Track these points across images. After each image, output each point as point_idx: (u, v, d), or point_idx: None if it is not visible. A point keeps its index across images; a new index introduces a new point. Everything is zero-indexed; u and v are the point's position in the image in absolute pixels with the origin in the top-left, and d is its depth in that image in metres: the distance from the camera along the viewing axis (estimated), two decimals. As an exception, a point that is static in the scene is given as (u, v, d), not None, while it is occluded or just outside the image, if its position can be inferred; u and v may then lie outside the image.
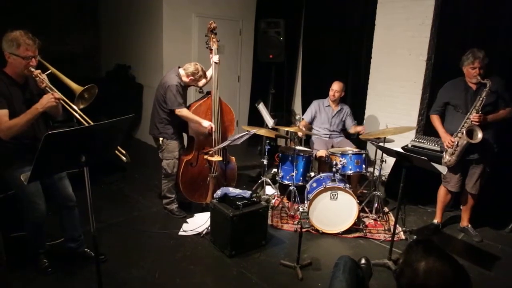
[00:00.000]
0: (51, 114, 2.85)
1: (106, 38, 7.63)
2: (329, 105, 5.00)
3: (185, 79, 3.97)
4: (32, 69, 2.61)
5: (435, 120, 3.87)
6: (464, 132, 3.47)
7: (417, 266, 1.25)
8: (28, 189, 2.72)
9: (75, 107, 2.68)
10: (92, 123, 2.51)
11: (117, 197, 4.57)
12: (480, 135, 3.39)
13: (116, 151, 2.70)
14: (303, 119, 5.17)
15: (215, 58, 4.07)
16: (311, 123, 5.11)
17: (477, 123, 3.42)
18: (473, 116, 3.44)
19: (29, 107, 2.63)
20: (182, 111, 3.89)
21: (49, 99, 2.58)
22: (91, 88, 2.73)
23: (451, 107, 3.74)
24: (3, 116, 2.55)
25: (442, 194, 3.97)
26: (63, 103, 2.67)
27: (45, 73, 2.68)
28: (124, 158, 2.75)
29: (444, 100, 3.80)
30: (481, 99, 3.43)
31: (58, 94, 2.62)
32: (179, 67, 4.03)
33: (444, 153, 3.73)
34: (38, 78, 2.62)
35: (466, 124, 3.50)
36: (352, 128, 5.02)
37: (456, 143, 3.57)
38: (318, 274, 3.24)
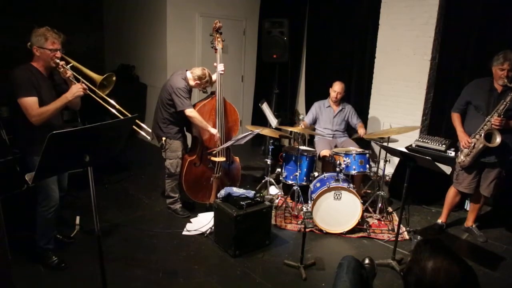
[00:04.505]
0: (72, 107, 3.06)
1: (110, 38, 7.65)
2: (329, 106, 4.99)
3: (191, 82, 3.97)
4: (57, 61, 2.85)
5: (455, 118, 3.78)
6: (483, 135, 3.39)
7: (425, 265, 1.25)
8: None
9: (101, 93, 2.92)
10: (126, 113, 2.75)
11: (121, 197, 4.58)
12: (498, 139, 3.31)
13: (138, 129, 2.91)
14: (304, 120, 5.17)
15: (220, 67, 4.07)
16: (312, 125, 5.11)
17: (497, 127, 3.34)
18: (494, 120, 3.34)
19: (54, 97, 2.89)
20: (193, 112, 3.89)
21: (78, 89, 2.84)
22: (110, 76, 2.98)
23: (473, 107, 3.63)
24: (34, 103, 2.77)
25: (451, 195, 3.92)
26: (90, 92, 2.90)
27: (68, 65, 2.91)
28: (148, 137, 2.98)
29: (466, 99, 3.69)
30: (505, 103, 3.32)
31: (87, 84, 2.86)
32: (186, 70, 4.02)
33: (459, 152, 3.68)
34: (62, 69, 2.85)
35: (485, 126, 3.41)
36: (359, 127, 4.91)
37: (472, 144, 3.50)
38: (322, 274, 3.24)
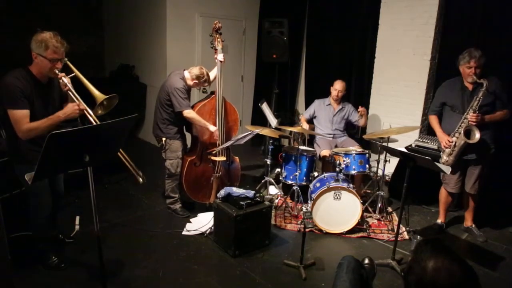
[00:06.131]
0: None
1: (110, 38, 7.65)
2: (330, 104, 4.99)
3: (189, 82, 3.97)
4: (57, 72, 2.65)
5: (433, 120, 3.86)
6: (462, 132, 3.45)
7: (426, 264, 1.25)
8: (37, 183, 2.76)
9: (95, 117, 2.70)
10: None
11: (121, 197, 4.58)
12: (477, 135, 3.38)
13: (133, 171, 2.79)
14: (302, 115, 5.18)
15: (219, 56, 4.09)
16: (310, 121, 5.11)
17: (474, 123, 3.40)
18: (470, 116, 3.41)
19: (49, 106, 2.73)
20: (191, 113, 3.89)
21: (73, 110, 2.65)
22: (113, 98, 2.75)
23: (448, 108, 3.73)
24: (25, 117, 2.59)
25: (443, 195, 3.96)
26: (87, 114, 2.70)
27: (69, 76, 2.71)
28: (140, 180, 2.83)
29: (441, 100, 3.79)
30: (478, 99, 3.40)
31: (83, 105, 2.67)
32: (184, 70, 4.02)
33: (442, 153, 3.72)
34: (61, 80, 2.66)
35: (463, 124, 3.48)
36: (360, 120, 4.81)
37: (453, 143, 3.55)
38: (322, 274, 3.24)
